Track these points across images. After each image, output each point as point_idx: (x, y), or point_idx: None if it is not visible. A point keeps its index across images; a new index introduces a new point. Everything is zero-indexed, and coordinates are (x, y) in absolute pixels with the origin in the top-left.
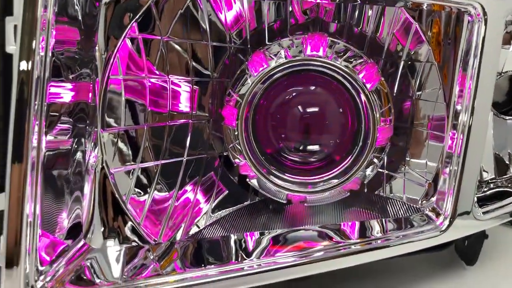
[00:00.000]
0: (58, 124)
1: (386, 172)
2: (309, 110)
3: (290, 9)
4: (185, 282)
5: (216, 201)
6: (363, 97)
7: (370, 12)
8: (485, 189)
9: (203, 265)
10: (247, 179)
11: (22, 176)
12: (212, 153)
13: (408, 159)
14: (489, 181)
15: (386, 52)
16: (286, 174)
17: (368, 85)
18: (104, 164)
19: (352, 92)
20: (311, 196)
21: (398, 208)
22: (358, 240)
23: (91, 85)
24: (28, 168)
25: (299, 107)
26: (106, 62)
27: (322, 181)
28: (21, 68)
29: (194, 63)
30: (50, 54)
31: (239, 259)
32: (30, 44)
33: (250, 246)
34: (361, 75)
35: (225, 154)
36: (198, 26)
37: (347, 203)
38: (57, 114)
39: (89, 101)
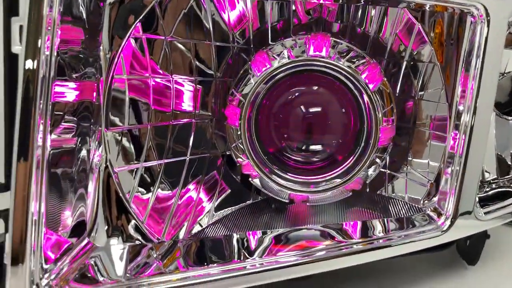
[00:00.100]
0: (63, 123)
1: (388, 172)
2: (311, 110)
3: (293, 9)
4: (188, 280)
5: (219, 200)
6: (365, 97)
7: (373, 12)
8: (487, 189)
9: (205, 263)
10: (250, 179)
11: (27, 174)
12: (215, 152)
13: (410, 159)
14: (491, 181)
15: (388, 53)
16: (289, 174)
17: (371, 85)
18: (108, 163)
19: (354, 92)
20: (313, 195)
21: (400, 208)
22: (360, 240)
23: (95, 84)
24: (33, 166)
25: (302, 107)
26: (111, 62)
27: (325, 181)
28: (26, 67)
29: (197, 63)
30: (55, 54)
31: (242, 258)
32: (36, 43)
33: (253, 245)
34: (363, 75)
35: (228, 153)
36: (202, 26)
37: (349, 203)
38: (61, 113)
39: (93, 100)
